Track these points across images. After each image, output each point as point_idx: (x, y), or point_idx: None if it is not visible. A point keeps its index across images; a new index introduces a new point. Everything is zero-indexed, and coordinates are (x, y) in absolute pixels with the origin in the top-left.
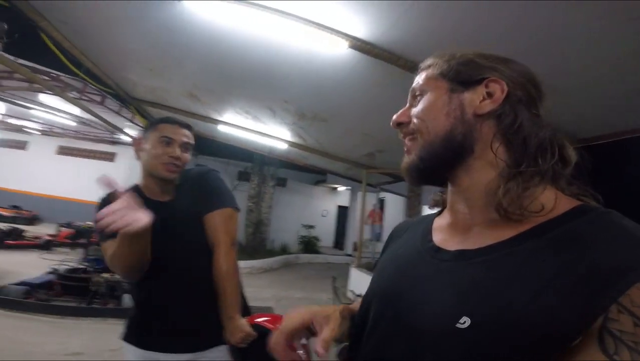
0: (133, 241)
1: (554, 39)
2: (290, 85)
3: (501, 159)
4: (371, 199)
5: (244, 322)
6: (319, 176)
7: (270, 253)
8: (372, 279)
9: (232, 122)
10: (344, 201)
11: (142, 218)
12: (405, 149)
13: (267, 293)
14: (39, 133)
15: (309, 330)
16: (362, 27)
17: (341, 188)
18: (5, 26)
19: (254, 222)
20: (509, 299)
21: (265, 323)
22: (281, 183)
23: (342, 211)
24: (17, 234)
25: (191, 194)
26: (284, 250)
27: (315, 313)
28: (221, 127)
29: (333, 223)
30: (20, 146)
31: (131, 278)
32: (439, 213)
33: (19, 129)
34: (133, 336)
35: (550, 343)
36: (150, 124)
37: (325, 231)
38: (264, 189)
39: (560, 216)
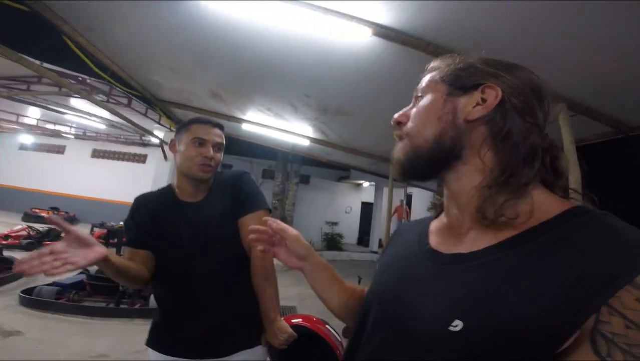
0: (106, 272)
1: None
2: (311, 79)
3: (488, 166)
4: (398, 195)
5: (285, 324)
6: (342, 172)
7: None
8: (372, 281)
9: (255, 121)
10: (369, 197)
11: (87, 255)
12: (395, 149)
13: (290, 292)
14: (73, 137)
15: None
16: (385, 13)
17: (365, 184)
18: None
19: (278, 219)
20: (500, 302)
21: (301, 323)
22: (304, 180)
23: (366, 208)
24: (54, 235)
25: (224, 196)
26: None
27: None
28: (245, 126)
29: (357, 220)
30: (58, 150)
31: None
32: (437, 216)
33: (57, 134)
34: (157, 341)
35: (542, 345)
36: (183, 125)
37: (349, 227)
38: (288, 187)
39: (552, 219)
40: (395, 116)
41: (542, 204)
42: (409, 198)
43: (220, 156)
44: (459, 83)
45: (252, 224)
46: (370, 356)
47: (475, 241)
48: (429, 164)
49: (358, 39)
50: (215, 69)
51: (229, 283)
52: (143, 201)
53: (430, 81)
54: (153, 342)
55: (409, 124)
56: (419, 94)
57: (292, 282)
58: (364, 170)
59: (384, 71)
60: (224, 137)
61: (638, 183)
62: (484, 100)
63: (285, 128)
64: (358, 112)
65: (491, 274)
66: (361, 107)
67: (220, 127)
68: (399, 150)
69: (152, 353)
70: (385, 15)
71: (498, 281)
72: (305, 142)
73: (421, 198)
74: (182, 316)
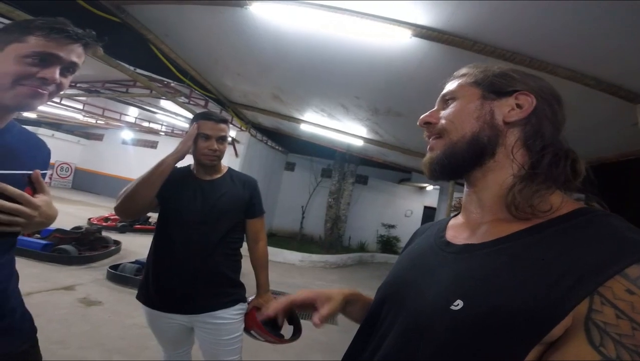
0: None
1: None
2: (359, 81)
3: (519, 163)
4: None
5: (270, 295)
6: (403, 174)
7: (346, 250)
8: (390, 271)
9: (311, 121)
10: (432, 201)
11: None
12: (429, 147)
13: (335, 288)
14: (164, 134)
15: (312, 306)
16: (423, 13)
17: (429, 188)
18: (93, 32)
19: (332, 217)
20: (500, 286)
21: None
22: (362, 180)
23: (429, 212)
24: (144, 219)
25: (240, 186)
26: (361, 248)
27: (320, 293)
28: (303, 126)
29: (417, 224)
30: (152, 145)
31: (136, 214)
32: (456, 215)
33: (151, 131)
34: (148, 298)
35: (531, 329)
36: (192, 119)
37: (408, 231)
38: (344, 186)
39: (562, 216)
40: (423, 116)
41: (556, 203)
42: None
43: (224, 146)
44: (494, 88)
45: (260, 226)
46: (380, 337)
47: (487, 233)
48: (465, 160)
49: (399, 41)
50: (274, 73)
51: (222, 249)
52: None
53: (462, 85)
54: (143, 297)
55: (444, 123)
56: (448, 97)
57: (339, 278)
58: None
59: (430, 71)
60: (227, 129)
61: None
62: (518, 105)
63: (338, 128)
64: (408, 112)
65: (494, 261)
66: (411, 108)
67: (224, 121)
68: (434, 148)
69: (143, 307)
70: (424, 16)
71: (499, 267)
72: (359, 142)
73: None
74: (175, 276)
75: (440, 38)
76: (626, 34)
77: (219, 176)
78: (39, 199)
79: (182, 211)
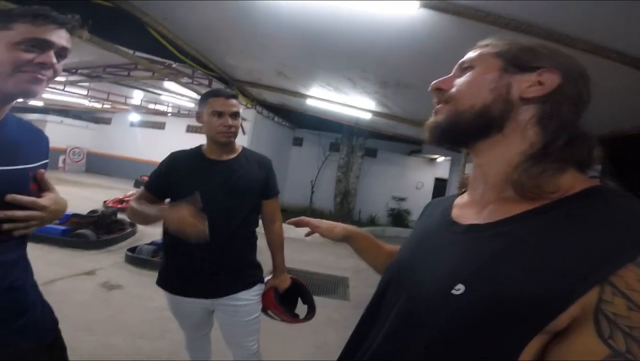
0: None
1: None
2: (366, 53)
3: (531, 141)
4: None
5: (287, 276)
6: (413, 146)
7: (357, 224)
8: (398, 251)
9: (317, 96)
10: (443, 173)
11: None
12: (434, 111)
13: (346, 264)
14: (171, 115)
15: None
16: None
17: (440, 159)
18: (77, 16)
19: (342, 192)
20: (503, 272)
21: (294, 277)
22: (371, 153)
23: (440, 184)
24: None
25: (256, 167)
26: (372, 222)
27: (325, 222)
28: (309, 101)
29: (429, 196)
30: (160, 126)
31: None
32: (463, 192)
33: (158, 112)
34: (169, 283)
35: (534, 317)
36: (202, 98)
37: (419, 204)
38: (353, 160)
39: (570, 197)
40: (436, 82)
41: (566, 183)
42: None
43: (237, 122)
44: (517, 62)
45: (275, 206)
46: (384, 318)
47: (493, 213)
48: (469, 131)
49: (406, 12)
50: (276, 49)
51: (241, 232)
52: (176, 156)
53: (483, 55)
54: (164, 283)
55: (456, 90)
56: (467, 65)
57: (349, 253)
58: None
59: (441, 43)
60: (238, 104)
61: None
62: (540, 82)
63: (345, 102)
64: (420, 84)
65: (498, 244)
66: (422, 79)
67: (234, 96)
68: (439, 112)
69: (164, 293)
70: None
71: (502, 251)
72: (368, 116)
73: None
74: (195, 260)
75: (449, 9)
76: None
77: (234, 155)
78: (46, 199)
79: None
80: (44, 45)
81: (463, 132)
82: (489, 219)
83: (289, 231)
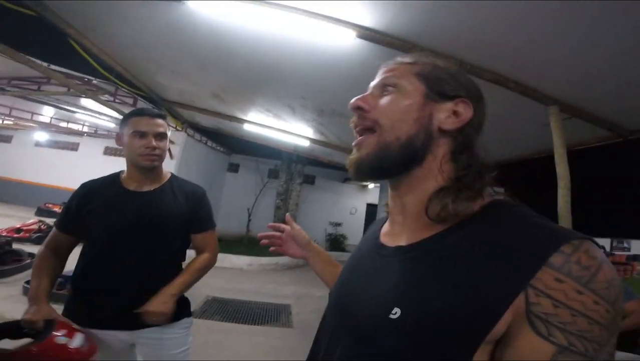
0: None
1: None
2: (305, 81)
3: (446, 175)
4: None
5: (171, 305)
6: (347, 174)
7: None
8: (338, 276)
9: (255, 121)
10: (374, 198)
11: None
12: (356, 143)
13: (288, 290)
14: (86, 135)
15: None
16: (367, 15)
17: (371, 186)
18: None
19: (281, 219)
20: (431, 291)
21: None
22: (309, 180)
23: (372, 209)
24: None
25: (182, 199)
26: None
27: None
28: (247, 126)
29: (362, 221)
30: (72, 147)
31: None
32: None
33: (71, 132)
34: (77, 316)
35: (471, 331)
36: (124, 118)
37: (354, 229)
38: (292, 187)
39: (476, 212)
40: (356, 100)
41: (477, 205)
42: None
43: (164, 144)
44: (438, 88)
45: (206, 241)
46: (327, 348)
47: (414, 234)
48: (394, 164)
49: (343, 42)
50: (213, 72)
51: (163, 269)
52: (88, 188)
53: (407, 74)
54: (75, 316)
55: (381, 116)
56: (389, 84)
57: (290, 280)
58: None
59: (373, 73)
60: (166, 125)
61: (637, 187)
62: (456, 113)
63: (284, 129)
64: (351, 114)
65: (423, 265)
66: None
67: (161, 116)
68: (363, 145)
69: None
70: (368, 18)
71: (428, 271)
72: (306, 143)
73: None
74: (112, 294)
75: (382, 40)
76: (543, 43)
77: (158, 186)
78: None
79: (114, 234)
80: None
81: (390, 166)
82: (411, 240)
83: (224, 260)
